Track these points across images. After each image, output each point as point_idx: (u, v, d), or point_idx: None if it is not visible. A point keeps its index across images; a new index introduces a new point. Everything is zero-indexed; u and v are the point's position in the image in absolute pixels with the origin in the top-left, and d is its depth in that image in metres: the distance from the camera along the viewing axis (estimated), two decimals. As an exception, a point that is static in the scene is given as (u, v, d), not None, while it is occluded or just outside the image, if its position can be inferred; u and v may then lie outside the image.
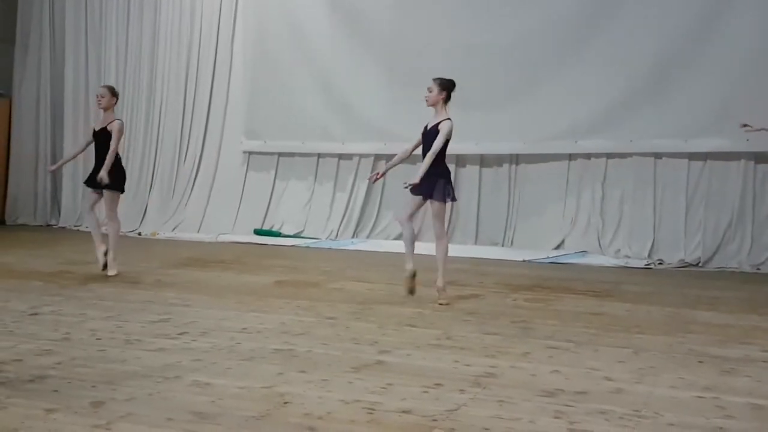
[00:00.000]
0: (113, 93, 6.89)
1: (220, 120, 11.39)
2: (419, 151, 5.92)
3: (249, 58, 11.12)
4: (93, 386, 3.27)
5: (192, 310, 5.26)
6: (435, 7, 10.10)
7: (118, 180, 6.81)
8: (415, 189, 5.67)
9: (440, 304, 5.62)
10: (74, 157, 7.96)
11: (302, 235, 10.71)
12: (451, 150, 9.79)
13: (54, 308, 5.11)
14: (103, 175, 6.57)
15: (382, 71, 10.30)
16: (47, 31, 12.14)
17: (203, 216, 11.19)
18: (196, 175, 11.45)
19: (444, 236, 5.85)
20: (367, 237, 10.33)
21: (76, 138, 11.99)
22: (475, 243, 9.87)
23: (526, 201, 9.87)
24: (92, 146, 6.95)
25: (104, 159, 6.69)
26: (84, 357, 3.79)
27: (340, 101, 10.56)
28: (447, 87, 5.78)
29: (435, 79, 5.82)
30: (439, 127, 5.67)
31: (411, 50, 10.08)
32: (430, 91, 5.77)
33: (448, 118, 5.71)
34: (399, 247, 9.57)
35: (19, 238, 10.29)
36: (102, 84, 7.15)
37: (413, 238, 5.83)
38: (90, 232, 7.11)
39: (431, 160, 5.63)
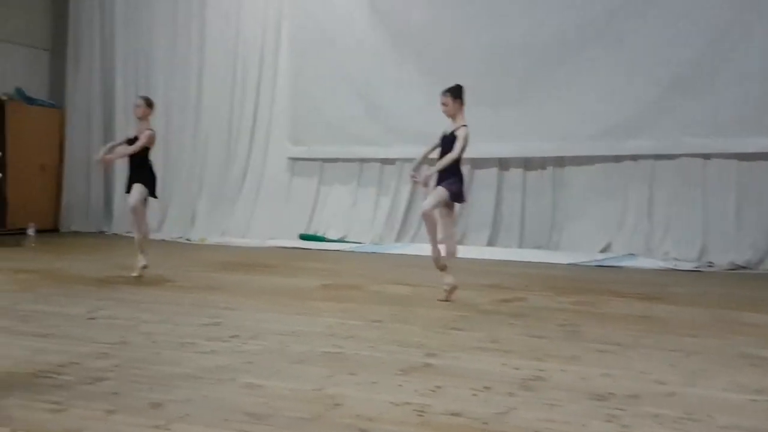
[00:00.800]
0: (149, 103, 7.10)
1: (266, 127, 11.56)
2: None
3: (292, 65, 11.27)
4: (150, 388, 3.37)
5: (241, 313, 5.36)
6: (472, 8, 10.11)
7: (148, 185, 6.97)
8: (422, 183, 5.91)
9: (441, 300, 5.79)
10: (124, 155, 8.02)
11: (346, 239, 10.80)
12: (493, 153, 9.97)
13: (109, 312, 5.26)
14: (108, 157, 7.18)
15: (421, 74, 10.32)
16: (97, 43, 12.47)
17: (250, 221, 11.37)
18: (242, 182, 11.63)
19: (431, 209, 5.88)
20: (411, 241, 10.36)
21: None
22: (520, 246, 9.82)
23: (570, 203, 9.79)
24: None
25: (136, 166, 6.98)
26: (140, 359, 3.90)
27: (381, 106, 10.63)
28: (459, 94, 5.89)
29: (446, 91, 5.89)
30: (456, 133, 5.76)
31: (449, 52, 10.09)
32: (446, 105, 5.85)
33: (465, 125, 5.82)
34: (441, 250, 9.67)
35: (74, 244, 10.59)
36: (139, 94, 7.38)
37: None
38: (142, 237, 7.26)
39: (448, 162, 5.74)
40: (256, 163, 11.59)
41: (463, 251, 9.39)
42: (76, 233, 12.26)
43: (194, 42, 11.87)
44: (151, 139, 7.03)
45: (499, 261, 8.98)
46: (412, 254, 9.61)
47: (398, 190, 10.75)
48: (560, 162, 9.93)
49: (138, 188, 6.95)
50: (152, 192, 7.12)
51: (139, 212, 7.06)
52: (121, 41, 12.31)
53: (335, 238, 10.81)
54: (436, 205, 5.85)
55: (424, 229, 10.50)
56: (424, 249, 9.66)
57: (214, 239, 11.10)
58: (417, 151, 10.27)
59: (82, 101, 12.55)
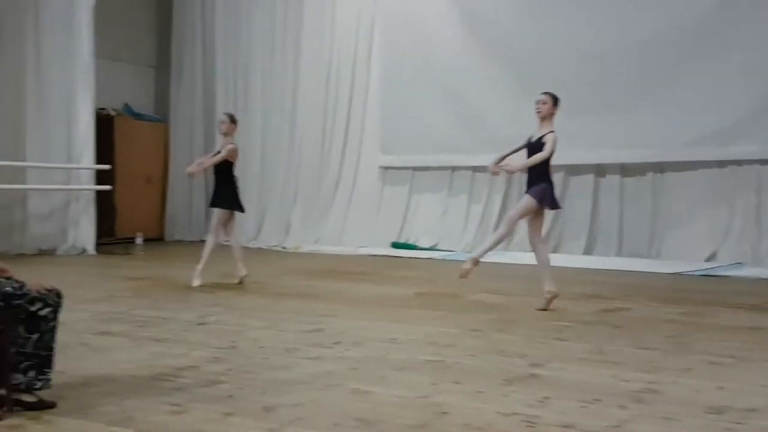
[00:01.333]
0: (232, 120, 7.35)
1: (358, 137, 11.73)
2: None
3: (384, 75, 11.40)
4: (262, 392, 3.49)
5: (341, 320, 5.46)
6: (565, 14, 9.95)
7: (224, 199, 7.20)
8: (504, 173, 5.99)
9: (541, 308, 5.78)
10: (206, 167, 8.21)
11: (437, 247, 10.81)
12: (590, 159, 9.76)
13: (217, 318, 5.46)
14: (191, 168, 7.57)
15: (512, 81, 10.24)
16: (199, 59, 12.99)
17: (343, 230, 11.55)
18: (335, 191, 11.83)
19: (508, 225, 5.92)
20: (505, 249, 10.24)
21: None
22: (618, 254, 9.57)
23: (672, 210, 9.46)
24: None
25: (220, 182, 7.24)
26: (251, 364, 4.04)
27: (472, 114, 10.61)
28: (557, 101, 5.86)
29: (547, 93, 5.86)
30: (545, 139, 5.71)
31: (541, 58, 9.97)
32: (544, 103, 5.82)
33: (553, 131, 5.76)
34: (535, 258, 9.53)
35: (178, 252, 11.03)
36: (224, 111, 7.66)
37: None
38: (238, 247, 7.48)
39: (536, 161, 5.70)
40: (349, 173, 11.78)
41: (559, 260, 9.24)
42: (179, 242, 12.78)
43: (290, 55, 12.19)
44: (233, 153, 7.23)
45: (597, 270, 8.77)
46: (506, 263, 9.51)
47: (490, 197, 10.69)
48: (660, 168, 9.62)
49: (217, 214, 7.27)
50: (236, 206, 7.34)
51: (216, 231, 7.33)
52: (221, 57, 12.78)
53: (427, 247, 10.83)
54: (522, 215, 5.81)
55: (517, 238, 10.48)
56: (519, 257, 9.66)
57: (308, 247, 11.33)
58: (510, 159, 10.33)
59: (184, 115, 13.09)
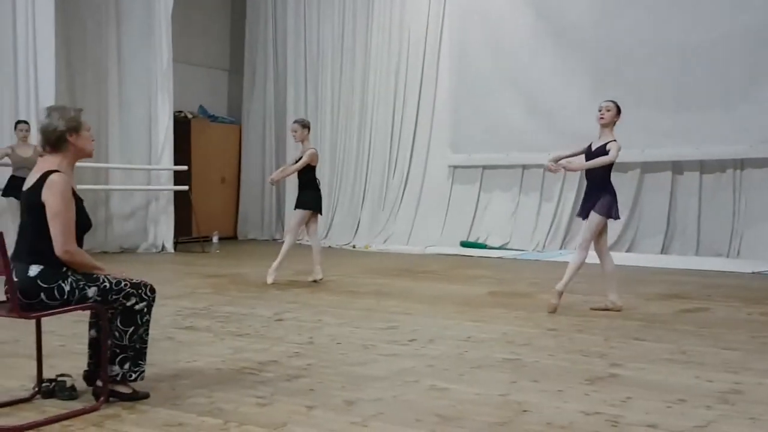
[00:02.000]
0: (304, 125, 7.43)
1: (426, 136, 11.76)
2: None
3: (453, 73, 11.39)
4: (342, 387, 3.56)
5: (414, 318, 5.50)
6: (641, 8, 9.73)
7: (307, 201, 7.34)
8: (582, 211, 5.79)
9: (552, 305, 5.61)
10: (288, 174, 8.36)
11: (508, 246, 10.74)
12: (667, 156, 9.52)
13: (294, 314, 5.59)
14: (275, 176, 7.85)
15: (586, 77, 10.08)
16: (271, 62, 13.27)
17: (411, 228, 11.59)
18: (404, 190, 11.89)
19: (586, 248, 5.72)
20: (576, 248, 10.10)
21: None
22: (696, 254, 9.31)
23: (753, 208, 9.14)
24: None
25: (303, 185, 7.36)
26: (329, 360, 4.13)
27: (544, 111, 10.48)
28: (620, 110, 5.72)
29: (611, 101, 5.71)
30: (609, 147, 5.58)
31: (616, 54, 9.80)
32: (608, 110, 5.66)
33: (615, 140, 5.63)
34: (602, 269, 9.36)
35: (251, 251, 11.30)
36: (295, 119, 7.76)
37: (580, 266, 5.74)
38: (318, 250, 7.58)
39: (598, 164, 5.57)
40: (417, 172, 11.82)
41: (635, 259, 9.10)
42: (252, 240, 13.08)
43: (359, 56, 12.32)
44: (313, 157, 7.35)
45: (674, 269, 8.55)
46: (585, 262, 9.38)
47: (563, 195, 10.55)
48: (740, 164, 9.31)
49: (297, 215, 7.39)
50: (317, 208, 7.47)
51: (295, 232, 7.47)
52: (292, 59, 13.02)
53: (497, 246, 10.77)
54: (594, 234, 5.69)
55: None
56: (591, 257, 9.49)
57: (377, 246, 11.42)
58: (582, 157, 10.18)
59: (256, 117, 13.39)
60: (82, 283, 3.11)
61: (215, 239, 11.14)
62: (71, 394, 3.29)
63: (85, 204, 10.05)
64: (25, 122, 8.88)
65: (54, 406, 3.19)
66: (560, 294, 5.69)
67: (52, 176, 3.08)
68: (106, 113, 10.89)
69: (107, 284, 3.16)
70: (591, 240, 5.72)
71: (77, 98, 10.86)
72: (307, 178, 7.41)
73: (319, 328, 5.05)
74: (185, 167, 11.31)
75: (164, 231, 11.07)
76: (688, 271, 8.38)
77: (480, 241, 10.99)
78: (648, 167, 9.74)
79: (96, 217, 10.91)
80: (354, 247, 11.71)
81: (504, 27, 10.89)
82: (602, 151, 5.59)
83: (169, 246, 11.02)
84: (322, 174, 12.66)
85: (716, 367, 3.91)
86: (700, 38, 9.20)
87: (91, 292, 3.12)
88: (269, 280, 7.31)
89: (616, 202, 5.72)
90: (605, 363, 4.02)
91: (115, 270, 3.30)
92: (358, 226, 12.19)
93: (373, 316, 5.56)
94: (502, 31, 10.89)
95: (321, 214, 7.71)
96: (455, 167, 11.49)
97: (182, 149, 11.90)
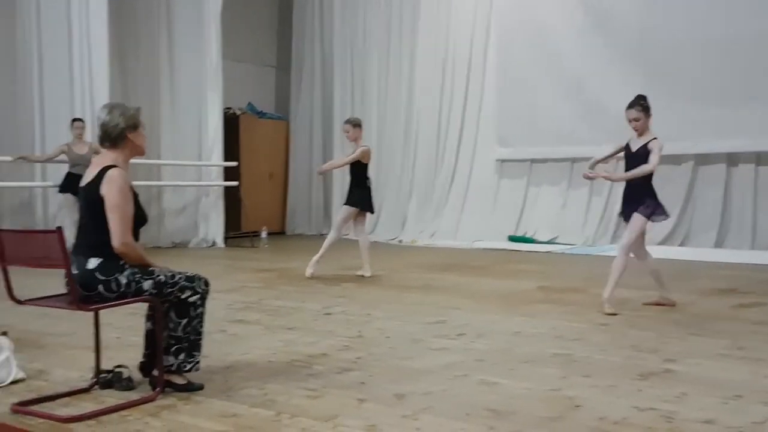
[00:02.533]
0: (355, 124, 7.42)
1: (473, 130, 11.69)
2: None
3: (501, 66, 11.29)
4: (393, 380, 3.58)
5: (464, 312, 5.48)
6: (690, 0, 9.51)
7: (356, 199, 7.39)
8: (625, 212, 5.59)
9: (607, 313, 5.33)
10: (337, 167, 8.53)
11: (556, 241, 10.62)
12: (721, 148, 9.28)
13: (342, 308, 5.63)
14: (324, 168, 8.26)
15: (635, 70, 9.87)
16: (318, 58, 13.37)
17: (458, 223, 11.55)
18: (451, 184, 11.86)
19: (628, 251, 5.53)
20: (618, 250, 9.94)
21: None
22: (752, 248, 9.07)
23: (812, 200, 8.88)
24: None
25: (354, 184, 7.40)
26: (379, 353, 4.15)
27: (593, 104, 10.32)
28: (649, 107, 5.47)
29: (636, 106, 5.42)
30: (650, 146, 5.35)
31: (666, 45, 9.59)
32: (637, 121, 5.40)
33: (656, 138, 5.40)
34: (662, 252, 9.18)
35: (299, 245, 11.41)
36: (346, 119, 7.77)
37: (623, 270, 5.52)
38: (366, 247, 7.60)
39: (640, 174, 5.35)
40: (464, 166, 11.76)
41: (688, 253, 8.91)
42: (299, 235, 13.21)
43: (406, 51, 12.31)
44: (365, 154, 7.37)
45: (729, 264, 8.34)
46: (631, 256, 9.22)
47: (612, 190, 10.35)
48: (799, 155, 9.04)
49: (344, 211, 7.44)
50: (367, 206, 7.49)
51: (340, 228, 7.50)
52: (339, 56, 13.08)
53: (545, 240, 10.66)
54: (637, 236, 5.54)
55: (649, 235, 10.08)
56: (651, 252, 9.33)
57: (424, 241, 11.41)
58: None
59: (304, 113, 13.51)
60: (138, 276, 3.19)
61: (264, 234, 11.29)
62: (128, 384, 3.37)
63: (140, 199, 10.16)
64: (81, 120, 9.12)
65: (111, 397, 3.28)
66: (610, 300, 5.46)
67: (111, 171, 3.16)
68: (158, 111, 11.12)
69: (163, 277, 3.24)
70: (633, 242, 5.58)
71: (130, 96, 11.10)
72: (358, 175, 7.43)
73: (367, 322, 5.07)
74: (235, 163, 11.48)
75: (215, 226, 11.25)
76: (743, 265, 8.16)
77: (528, 236, 10.89)
78: (702, 159, 9.53)
79: (149, 213, 11.12)
80: (401, 241, 11.72)
81: (551, 19, 10.75)
82: (643, 152, 5.36)
83: (220, 241, 11.21)
84: (369, 168, 12.75)
85: (775, 364, 3.81)
86: (754, 28, 8.94)
87: (147, 285, 3.19)
88: (308, 272, 7.37)
89: (659, 203, 5.56)
90: (659, 358, 3.95)
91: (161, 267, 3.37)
92: (405, 221, 12.20)
93: (421, 310, 5.57)
94: (550, 23, 10.76)
95: (372, 212, 7.72)
96: (503, 161, 11.41)
97: (231, 145, 12.07)
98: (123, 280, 3.15)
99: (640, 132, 5.47)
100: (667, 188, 9.94)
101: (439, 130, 12.01)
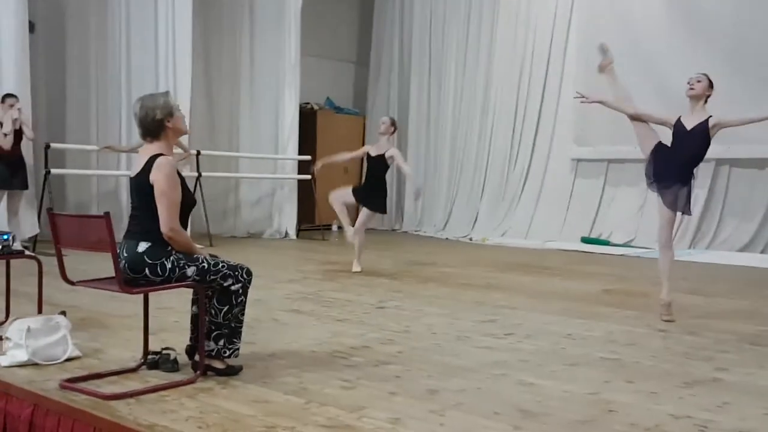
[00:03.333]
0: (393, 123, 7.40)
1: (550, 128, 11.48)
2: None
3: (581, 64, 11.01)
4: (429, 376, 3.59)
5: (518, 312, 5.42)
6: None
7: (377, 203, 7.40)
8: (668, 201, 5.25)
9: (664, 320, 5.07)
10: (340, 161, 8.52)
11: (632, 244, 10.29)
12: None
13: (397, 303, 5.66)
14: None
15: (723, 67, 9.38)
16: (396, 55, 13.44)
17: (530, 222, 11.37)
18: (524, 182, 11.68)
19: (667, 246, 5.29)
20: (707, 247, 9.55)
21: (419, 150, 13.08)
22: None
23: None
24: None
25: (376, 183, 7.31)
26: (422, 348, 4.17)
27: (674, 102, 9.85)
28: (713, 84, 5.11)
29: (703, 73, 5.13)
30: (712, 122, 4.97)
31: (751, 46, 9.12)
32: (699, 81, 5.05)
33: (712, 115, 5.05)
34: (743, 259, 8.78)
35: (370, 240, 11.43)
36: (385, 115, 7.76)
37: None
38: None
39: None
40: (539, 164, 11.56)
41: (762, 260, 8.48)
42: (371, 230, 13.27)
43: (483, 48, 12.20)
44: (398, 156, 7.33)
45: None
46: (708, 262, 8.88)
47: (693, 191, 9.92)
48: None
49: (364, 214, 7.41)
50: (383, 208, 7.50)
51: (360, 232, 7.48)
52: (417, 53, 13.11)
53: (620, 243, 10.35)
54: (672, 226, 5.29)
55: (722, 236, 9.69)
56: (723, 257, 8.95)
57: (495, 240, 11.30)
58: (720, 152, 9.55)
59: (380, 109, 13.58)
60: (182, 262, 3.32)
61: (335, 228, 11.45)
62: (173, 366, 3.52)
63: (217, 191, 10.70)
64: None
65: (156, 377, 3.42)
66: (668, 305, 5.23)
67: (160, 159, 3.30)
68: (237, 106, 11.46)
69: (206, 265, 3.36)
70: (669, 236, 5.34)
71: (213, 92, 11.52)
72: (380, 175, 7.43)
73: (418, 318, 5.09)
74: (309, 157, 11.68)
75: (288, 218, 11.50)
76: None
77: (603, 238, 10.61)
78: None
79: (226, 204, 11.56)
80: (471, 239, 11.65)
81: (636, 14, 10.42)
82: (704, 128, 4.98)
83: (292, 233, 11.45)
84: (442, 165, 12.77)
85: (836, 379, 3.60)
86: None
87: (191, 271, 3.32)
88: (355, 269, 7.43)
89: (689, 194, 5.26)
90: (710, 367, 3.80)
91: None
92: (476, 219, 12.11)
93: (477, 308, 5.53)
94: (634, 18, 10.43)
95: (385, 213, 7.89)
96: (578, 160, 11.15)
97: (308, 140, 12.29)
98: (168, 265, 3.29)
99: (696, 95, 5.07)
100: (750, 192, 9.53)
101: (515, 128, 11.84)
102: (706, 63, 9.54)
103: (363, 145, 13.83)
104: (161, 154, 3.33)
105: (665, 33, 10.07)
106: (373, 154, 7.44)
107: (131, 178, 3.41)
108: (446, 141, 12.57)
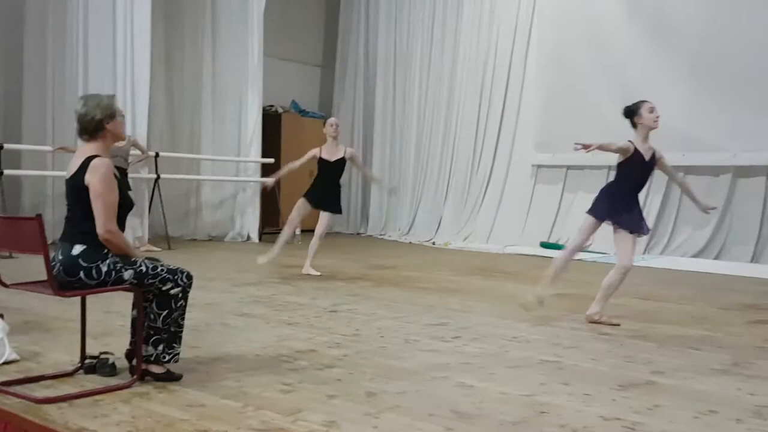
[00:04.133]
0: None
1: (511, 134, 11.62)
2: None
3: (542, 70, 11.18)
4: (370, 379, 3.61)
5: (470, 316, 5.47)
6: (741, 2, 9.20)
7: (338, 205, 7.54)
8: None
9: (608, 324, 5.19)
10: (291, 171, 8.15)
11: (590, 249, 10.41)
12: (762, 160, 8.95)
13: (351, 306, 5.68)
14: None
15: (684, 74, 9.66)
16: (362, 57, 13.50)
17: (492, 227, 11.48)
18: (486, 187, 11.80)
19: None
20: (660, 253, 9.72)
21: (384, 154, 13.11)
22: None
23: None
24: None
25: (333, 186, 7.35)
26: (367, 351, 4.18)
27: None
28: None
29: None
30: (659, 156, 5.29)
31: (713, 52, 9.32)
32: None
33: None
34: (697, 265, 8.95)
35: (334, 244, 11.49)
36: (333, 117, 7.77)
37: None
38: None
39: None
40: (500, 170, 11.69)
41: (723, 267, 8.66)
42: (337, 234, 13.31)
43: (447, 53, 12.33)
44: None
45: (763, 279, 8.08)
46: (662, 267, 9.04)
47: (648, 199, 10.11)
48: None
49: (326, 218, 7.46)
50: (340, 209, 7.63)
51: (322, 237, 7.55)
52: (382, 56, 13.19)
53: (579, 247, 10.47)
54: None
55: (676, 241, 9.86)
56: (677, 263, 9.11)
57: (457, 244, 11.38)
58: (677, 159, 9.74)
59: (346, 112, 13.64)
60: (119, 265, 3.29)
61: (298, 231, 11.40)
62: (111, 371, 3.49)
63: (177, 193, 10.55)
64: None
65: (92, 382, 3.39)
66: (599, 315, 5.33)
67: (95, 161, 3.27)
68: (199, 107, 11.41)
69: (144, 268, 3.34)
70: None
71: (174, 93, 11.44)
72: (337, 178, 7.46)
73: (369, 321, 5.10)
74: (272, 160, 11.66)
75: (250, 221, 11.47)
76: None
77: (561, 243, 10.72)
78: (741, 172, 9.25)
79: (187, 206, 11.48)
80: (434, 243, 11.72)
81: (596, 22, 10.59)
82: (654, 161, 5.27)
83: (254, 236, 11.41)
84: (406, 169, 12.82)
85: (766, 381, 3.68)
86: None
87: (128, 275, 3.29)
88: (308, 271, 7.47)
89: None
90: (647, 370, 3.87)
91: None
92: (440, 223, 12.18)
93: (430, 312, 5.57)
94: (595, 27, 10.60)
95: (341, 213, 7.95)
96: (539, 166, 11.28)
97: (272, 143, 12.27)
98: (104, 269, 3.26)
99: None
100: (705, 200, 9.67)
101: (477, 133, 11.97)
102: (669, 68, 9.79)
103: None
104: (97, 156, 3.30)
105: (628, 38, 10.25)
106: (329, 158, 7.42)
107: (66, 180, 3.37)
108: (411, 145, 12.64)
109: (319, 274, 7.45)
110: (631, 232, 5.24)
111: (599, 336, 4.82)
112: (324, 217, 7.52)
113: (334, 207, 7.44)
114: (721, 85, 9.26)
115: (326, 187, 7.44)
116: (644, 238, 9.98)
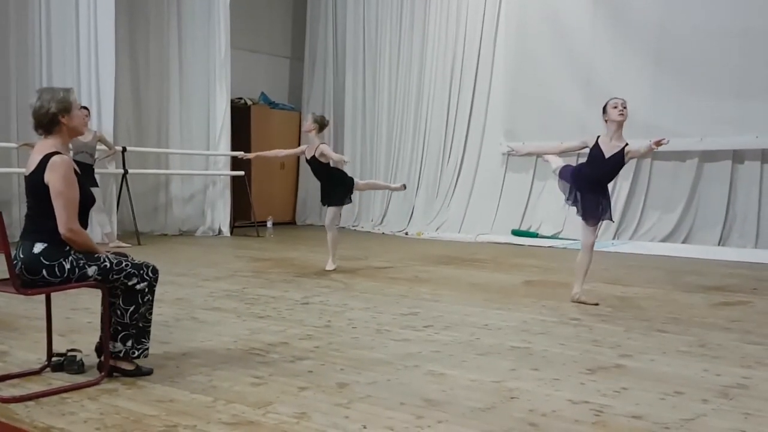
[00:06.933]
0: (317, 120, 7.24)
1: (481, 122, 11.66)
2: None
3: (510, 59, 11.23)
4: (341, 369, 3.61)
5: (441, 305, 5.50)
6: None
7: (339, 197, 7.37)
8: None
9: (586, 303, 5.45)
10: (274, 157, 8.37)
11: (560, 236, 10.54)
12: (728, 145, 9.13)
13: (322, 298, 5.68)
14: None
15: (647, 62, 9.77)
16: (331, 50, 13.44)
17: (464, 216, 11.53)
18: (458, 177, 11.83)
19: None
20: (630, 238, 9.85)
21: (355, 145, 13.09)
22: (756, 246, 8.92)
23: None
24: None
25: (329, 180, 7.29)
26: (339, 343, 4.19)
27: (601, 98, 10.13)
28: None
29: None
30: (627, 150, 5.35)
31: (676, 39, 9.45)
32: (625, 107, 5.41)
33: (627, 142, 5.45)
34: (665, 249, 9.09)
35: (305, 236, 11.51)
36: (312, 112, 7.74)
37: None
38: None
39: None
40: (471, 159, 11.73)
41: (690, 251, 8.80)
42: (310, 226, 13.31)
43: (416, 44, 12.31)
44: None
45: (730, 262, 8.23)
46: (631, 252, 9.17)
47: (617, 185, 10.23)
48: (807, 152, 8.86)
49: (330, 212, 7.43)
50: (341, 200, 7.45)
51: (333, 228, 7.49)
52: (351, 48, 13.14)
53: (549, 235, 10.59)
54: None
55: (645, 227, 10.00)
56: (645, 247, 9.25)
57: (429, 234, 11.42)
58: (641, 144, 9.89)
59: (316, 104, 13.57)
60: (82, 262, 3.25)
61: (270, 224, 11.38)
62: (79, 368, 3.45)
63: (146, 188, 10.39)
64: (85, 108, 9.26)
65: (60, 380, 3.36)
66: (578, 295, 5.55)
67: (54, 158, 3.21)
68: (167, 100, 11.27)
69: (108, 264, 3.30)
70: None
71: (140, 87, 11.29)
72: (330, 172, 7.41)
73: (341, 313, 5.11)
74: (241, 153, 11.56)
75: (221, 215, 11.39)
76: (744, 264, 8.05)
77: (532, 230, 10.83)
78: (707, 156, 9.39)
79: (156, 201, 11.37)
80: (407, 234, 11.74)
81: (563, 13, 10.66)
82: (620, 157, 5.36)
83: (226, 230, 11.34)
84: (378, 160, 12.82)
85: (731, 362, 3.76)
86: (763, 22, 8.77)
87: (92, 271, 3.26)
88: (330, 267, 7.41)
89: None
90: (615, 353, 3.93)
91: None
92: (412, 213, 12.21)
93: (401, 302, 5.59)
94: (561, 17, 10.67)
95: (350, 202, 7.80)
96: (509, 154, 11.33)
97: (242, 135, 12.18)
98: (67, 266, 3.22)
99: (624, 122, 5.39)
100: (671, 184, 9.86)
101: (448, 122, 11.99)
102: (632, 56, 9.89)
103: (299, 140, 13.81)
104: (56, 153, 3.24)
105: (592, 28, 10.33)
106: (308, 156, 7.40)
107: (25, 177, 3.31)
108: (382, 136, 12.64)
109: (333, 268, 7.38)
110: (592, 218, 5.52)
111: (568, 321, 4.88)
112: (328, 211, 7.53)
113: (331, 200, 7.41)
114: (685, 73, 9.39)
115: (321, 184, 7.48)
116: (614, 224, 10.18)
